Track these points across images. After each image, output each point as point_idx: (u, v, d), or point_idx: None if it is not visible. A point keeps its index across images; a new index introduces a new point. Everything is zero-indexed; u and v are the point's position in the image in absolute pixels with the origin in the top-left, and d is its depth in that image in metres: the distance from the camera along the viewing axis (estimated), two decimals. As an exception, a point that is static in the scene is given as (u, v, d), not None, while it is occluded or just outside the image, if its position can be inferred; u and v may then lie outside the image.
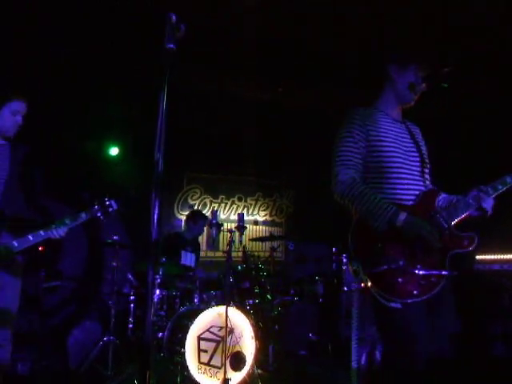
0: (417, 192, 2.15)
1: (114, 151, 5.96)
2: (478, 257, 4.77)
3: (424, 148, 2.32)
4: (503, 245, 4.66)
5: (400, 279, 1.94)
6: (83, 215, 2.82)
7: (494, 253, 4.72)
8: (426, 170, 2.25)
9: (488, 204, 2.10)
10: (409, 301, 1.93)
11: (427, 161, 2.28)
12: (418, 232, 1.95)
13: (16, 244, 2.56)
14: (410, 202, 2.11)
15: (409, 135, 2.27)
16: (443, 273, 1.97)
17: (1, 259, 2.51)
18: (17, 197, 2.73)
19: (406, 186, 2.14)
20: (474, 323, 4.50)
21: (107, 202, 2.93)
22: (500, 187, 2.12)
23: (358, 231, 2.06)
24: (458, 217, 2.08)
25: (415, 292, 1.93)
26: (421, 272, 1.95)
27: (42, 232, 2.63)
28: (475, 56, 4.50)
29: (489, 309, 4.56)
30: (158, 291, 4.09)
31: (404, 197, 2.12)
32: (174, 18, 1.63)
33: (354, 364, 2.09)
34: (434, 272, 1.96)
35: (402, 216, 1.97)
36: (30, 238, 2.60)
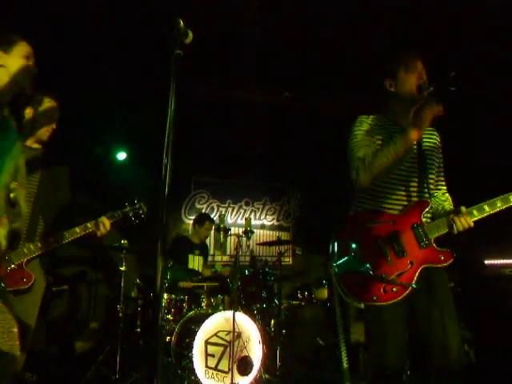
0: (406, 202, 2.18)
1: (121, 156, 5.99)
2: (486, 262, 4.73)
3: (435, 157, 2.30)
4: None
5: (363, 282, 2.04)
6: (114, 214, 2.82)
7: (504, 257, 4.68)
8: (429, 180, 2.22)
9: (459, 227, 2.07)
10: (368, 303, 2.04)
11: (432, 171, 2.27)
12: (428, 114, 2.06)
13: (39, 244, 2.57)
14: (396, 212, 2.16)
15: (415, 144, 2.22)
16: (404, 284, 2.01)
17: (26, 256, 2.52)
18: (49, 202, 2.73)
19: (395, 196, 2.18)
20: (483, 328, 4.47)
21: (137, 205, 2.89)
22: (499, 205, 2.06)
23: (341, 236, 2.17)
24: (436, 232, 2.10)
25: (374, 297, 2.02)
26: (383, 280, 2.03)
27: (64, 233, 2.65)
28: (476, 57, 4.49)
29: (498, 313, 4.52)
30: (165, 295, 4.10)
31: (392, 206, 2.18)
32: (181, 23, 1.64)
33: (344, 364, 2.16)
34: (395, 282, 2.02)
35: (405, 133, 2.07)
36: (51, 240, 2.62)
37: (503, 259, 4.68)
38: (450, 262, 2.04)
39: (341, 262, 2.11)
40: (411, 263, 2.06)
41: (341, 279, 2.10)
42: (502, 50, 4.43)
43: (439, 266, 2.07)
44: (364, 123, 2.27)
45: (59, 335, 4.76)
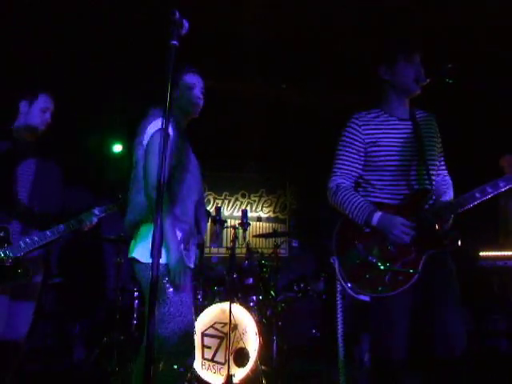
0: (408, 191, 2.16)
1: (117, 148, 5.96)
2: (481, 253, 4.74)
3: (433, 143, 2.28)
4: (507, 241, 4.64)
5: (368, 274, 2.05)
6: (109, 206, 2.84)
7: (498, 249, 4.69)
8: (430, 169, 2.20)
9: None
10: (374, 295, 2.04)
11: (433, 159, 2.24)
12: (390, 230, 2.06)
13: (36, 238, 2.56)
14: (397, 202, 2.16)
15: (413, 133, 2.22)
16: (410, 271, 2.01)
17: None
18: (44, 194, 2.71)
19: (397, 186, 2.18)
20: (477, 320, 4.50)
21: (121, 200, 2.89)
22: (490, 190, 2.02)
23: (342, 229, 2.22)
24: (438, 218, 2.08)
25: (379, 288, 2.02)
26: (387, 269, 2.03)
27: (61, 226, 2.64)
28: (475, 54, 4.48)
29: (493, 306, 4.55)
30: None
31: (393, 196, 2.18)
32: (177, 14, 1.63)
33: (341, 356, 2.16)
34: (400, 270, 2.02)
35: (376, 216, 2.09)
36: (48, 233, 2.60)
37: (498, 251, 4.68)
38: (456, 245, 2.03)
39: (344, 255, 2.12)
40: (415, 250, 2.04)
41: (345, 273, 2.10)
42: (502, 50, 4.42)
43: (445, 250, 2.05)
44: (356, 125, 2.25)
45: (55, 329, 4.77)
